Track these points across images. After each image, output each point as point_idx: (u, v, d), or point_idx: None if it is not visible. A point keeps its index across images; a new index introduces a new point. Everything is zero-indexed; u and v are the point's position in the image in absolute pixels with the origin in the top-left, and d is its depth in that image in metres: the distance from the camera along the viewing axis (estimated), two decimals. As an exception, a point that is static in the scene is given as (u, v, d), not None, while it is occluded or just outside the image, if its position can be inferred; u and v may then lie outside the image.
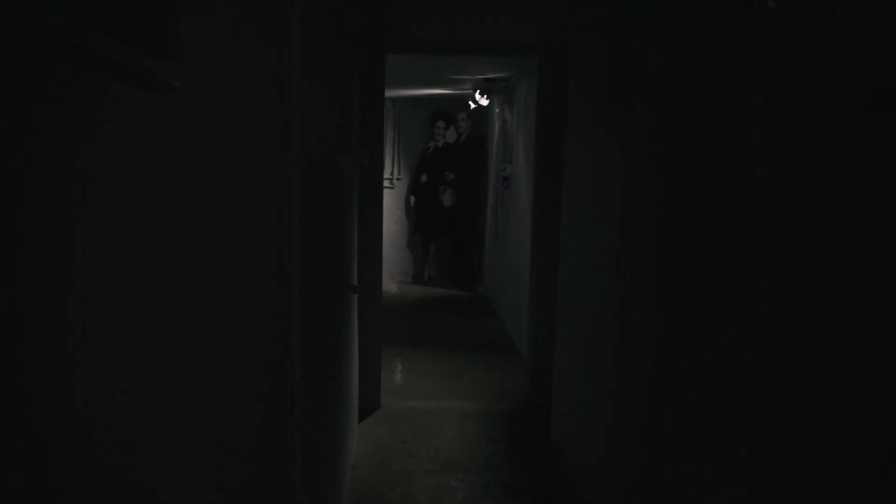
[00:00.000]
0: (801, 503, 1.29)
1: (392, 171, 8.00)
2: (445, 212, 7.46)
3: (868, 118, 1.14)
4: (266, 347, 1.33)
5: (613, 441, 2.48)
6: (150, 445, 0.75)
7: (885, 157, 1.09)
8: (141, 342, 0.72)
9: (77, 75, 0.58)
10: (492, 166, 7.16)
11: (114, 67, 0.64)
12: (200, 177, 0.90)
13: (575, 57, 3.31)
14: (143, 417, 0.72)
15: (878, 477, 1.09)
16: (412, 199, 7.94)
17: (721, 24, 1.71)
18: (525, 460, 3.40)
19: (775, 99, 1.41)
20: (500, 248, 6.55)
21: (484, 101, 6.39)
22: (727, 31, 1.67)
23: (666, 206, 2.03)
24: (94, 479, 0.63)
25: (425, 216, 7.69)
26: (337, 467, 2.57)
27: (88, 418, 0.61)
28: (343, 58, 2.68)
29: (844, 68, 1.21)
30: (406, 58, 4.44)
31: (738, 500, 1.55)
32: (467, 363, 4.94)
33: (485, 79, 6.02)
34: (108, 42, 0.61)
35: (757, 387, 1.46)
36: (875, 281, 1.10)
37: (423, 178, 7.63)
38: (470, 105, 6.81)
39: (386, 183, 7.59)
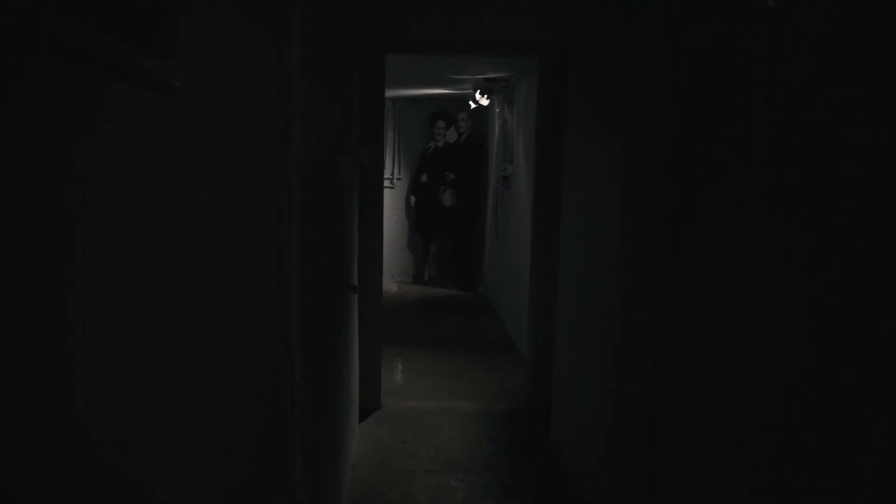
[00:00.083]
0: (801, 503, 1.29)
1: (392, 171, 8.00)
2: (445, 212, 7.46)
3: (868, 118, 1.14)
4: (266, 347, 1.33)
5: (613, 441, 2.48)
6: (150, 445, 0.75)
7: (885, 157, 1.09)
8: (141, 342, 0.72)
9: (77, 75, 0.58)
10: (492, 166, 7.16)
11: (114, 67, 0.64)
12: (200, 177, 0.90)
13: (575, 57, 3.31)
14: (143, 417, 0.72)
15: (878, 477, 1.09)
16: (412, 199, 7.94)
17: (721, 24, 1.71)
18: (525, 460, 3.40)
19: (775, 99, 1.41)
20: (500, 248, 6.55)
21: (484, 101, 6.39)
22: (727, 31, 1.67)
23: (666, 206, 2.03)
24: (94, 479, 0.63)
25: (425, 216, 7.69)
26: (337, 467, 2.57)
27: (88, 418, 0.61)
28: (343, 58, 2.68)
29: (844, 68, 1.21)
30: (406, 58, 4.44)
31: (738, 500, 1.55)
32: (467, 363, 4.94)
33: (485, 79, 6.02)
34: (108, 42, 0.61)
35: (757, 387, 1.46)
36: (875, 281, 1.10)
37: (424, 178, 7.63)
38: (470, 105, 6.81)
39: (386, 183, 7.59)
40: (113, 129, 0.65)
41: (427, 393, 4.33)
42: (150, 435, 0.74)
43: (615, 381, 2.47)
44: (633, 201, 2.34)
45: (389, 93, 6.44)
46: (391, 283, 7.84)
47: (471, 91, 6.52)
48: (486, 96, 6.33)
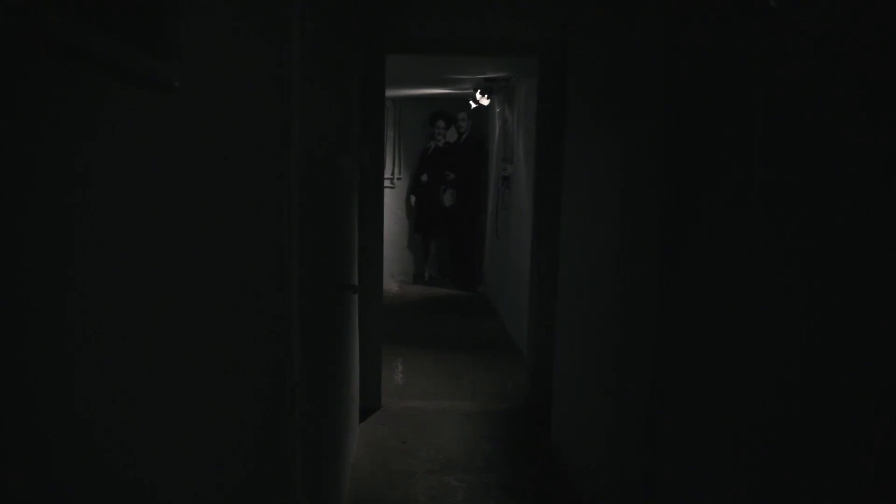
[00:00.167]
0: (801, 503, 1.29)
1: (392, 170, 8.00)
2: (446, 211, 7.46)
3: (868, 118, 1.14)
4: (266, 347, 1.33)
5: (613, 441, 2.48)
6: (150, 445, 0.75)
7: (885, 157, 1.09)
8: (141, 342, 0.72)
9: (77, 75, 0.58)
10: (492, 166, 7.16)
11: (114, 67, 0.64)
12: (200, 177, 0.90)
13: (575, 57, 3.31)
14: (143, 417, 0.72)
15: (878, 477, 1.09)
16: (412, 198, 7.94)
17: (721, 24, 1.71)
18: (525, 460, 3.40)
19: (775, 99, 1.41)
20: (500, 248, 6.55)
21: (484, 101, 6.39)
22: (727, 31, 1.67)
23: (666, 206, 2.03)
24: (94, 479, 0.63)
25: (426, 216, 7.69)
26: (337, 467, 2.57)
27: (88, 418, 0.61)
28: (343, 58, 2.68)
29: (844, 68, 1.21)
30: (406, 58, 4.44)
31: (738, 500, 1.55)
32: (467, 363, 4.94)
33: (485, 78, 6.02)
34: (108, 42, 0.61)
35: (757, 387, 1.46)
36: (875, 281, 1.10)
37: (424, 177, 7.63)
38: (470, 105, 6.81)
39: (386, 183, 7.58)
40: (113, 129, 0.65)
41: (427, 393, 4.33)
42: (150, 435, 0.74)
43: (615, 381, 2.47)
44: (633, 201, 2.34)
45: (389, 93, 6.44)
46: (391, 282, 7.84)
47: (471, 91, 6.52)
48: (486, 96, 6.33)
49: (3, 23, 0.47)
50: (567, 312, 3.32)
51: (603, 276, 2.65)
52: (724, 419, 1.61)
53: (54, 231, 0.55)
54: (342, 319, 2.77)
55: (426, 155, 7.69)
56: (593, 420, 2.80)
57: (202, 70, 0.89)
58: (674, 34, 2.02)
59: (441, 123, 7.44)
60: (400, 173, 8.06)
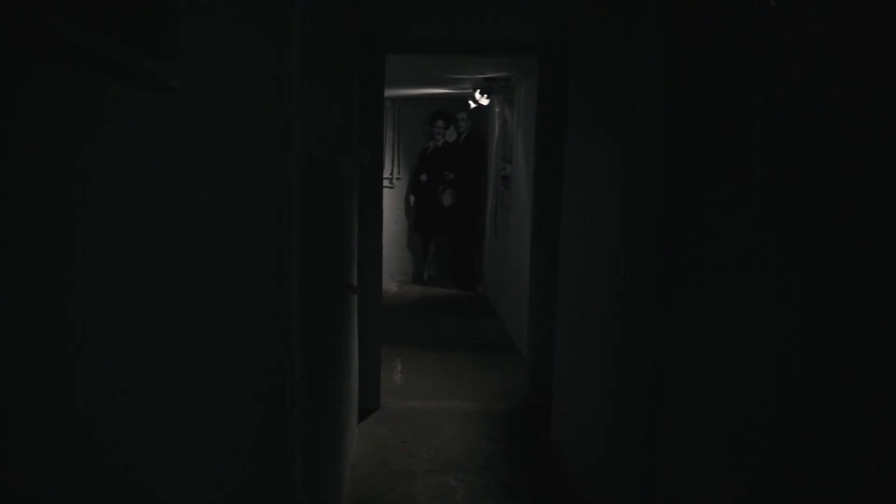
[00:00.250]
0: (801, 503, 1.29)
1: (392, 170, 8.00)
2: (445, 211, 7.46)
3: (868, 118, 1.14)
4: (266, 347, 1.33)
5: (613, 441, 2.48)
6: (150, 445, 0.75)
7: (885, 157, 1.09)
8: (141, 342, 0.72)
9: (77, 75, 0.58)
10: (492, 166, 7.16)
11: (114, 67, 0.64)
12: (200, 177, 0.90)
13: (575, 57, 3.31)
14: (143, 417, 0.72)
15: (878, 477, 1.09)
16: (412, 198, 7.94)
17: (721, 24, 1.71)
18: (525, 460, 3.40)
19: (775, 99, 1.41)
20: (500, 248, 6.55)
21: (484, 101, 6.39)
22: (727, 31, 1.67)
23: (666, 206, 2.03)
24: (94, 479, 0.63)
25: (425, 216, 7.69)
26: (337, 467, 2.57)
27: (88, 418, 0.61)
28: (343, 58, 2.67)
29: (844, 68, 1.21)
30: (406, 58, 4.44)
31: (738, 500, 1.55)
32: (467, 363, 4.94)
33: (485, 78, 6.02)
34: (108, 42, 0.61)
35: (757, 387, 1.46)
36: (875, 281, 1.10)
37: (423, 177, 7.63)
38: (470, 104, 6.81)
39: (386, 183, 7.59)
40: (113, 129, 0.65)
41: (427, 393, 4.33)
42: (150, 435, 0.74)
43: (615, 381, 2.47)
44: (633, 201, 2.34)
45: (389, 93, 6.44)
46: (391, 282, 7.83)
47: (471, 91, 6.52)
48: (485, 96, 6.33)
49: (3, 23, 0.47)
50: (567, 312, 3.32)
51: (603, 276, 2.65)
52: (724, 419, 1.61)
53: (54, 231, 0.55)
54: (342, 319, 2.77)
55: (425, 155, 7.69)
56: (593, 420, 2.80)
57: (202, 70, 0.89)
58: (674, 34, 2.02)
59: (440, 123, 7.44)
60: (399, 173, 8.06)
